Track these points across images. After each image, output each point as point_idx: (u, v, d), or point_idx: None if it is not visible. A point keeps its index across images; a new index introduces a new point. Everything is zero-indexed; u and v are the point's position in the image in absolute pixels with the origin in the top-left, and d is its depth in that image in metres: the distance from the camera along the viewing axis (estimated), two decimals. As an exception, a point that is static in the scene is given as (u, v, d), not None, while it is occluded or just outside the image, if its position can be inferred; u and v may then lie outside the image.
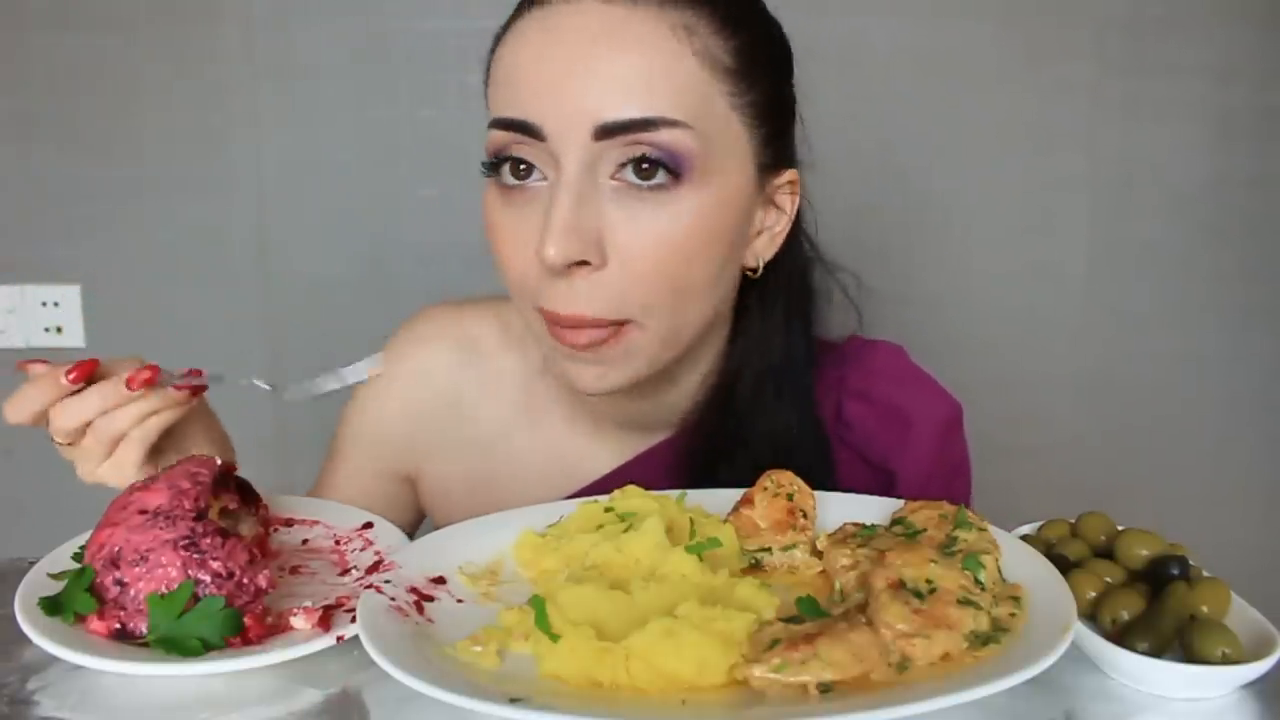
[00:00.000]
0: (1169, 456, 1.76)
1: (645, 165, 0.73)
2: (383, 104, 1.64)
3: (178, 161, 1.66)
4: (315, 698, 0.57)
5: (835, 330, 0.95)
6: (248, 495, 0.70)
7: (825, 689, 0.51)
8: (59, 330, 1.71)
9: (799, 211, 0.86)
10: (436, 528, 1.00)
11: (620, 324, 0.76)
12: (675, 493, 0.71)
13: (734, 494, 0.72)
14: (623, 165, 0.73)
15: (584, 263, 0.73)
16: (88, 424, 0.73)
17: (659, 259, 0.74)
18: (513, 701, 0.49)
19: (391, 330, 0.99)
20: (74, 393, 0.73)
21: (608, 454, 0.92)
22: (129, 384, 0.72)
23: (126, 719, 0.56)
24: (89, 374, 0.73)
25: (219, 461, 0.68)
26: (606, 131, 0.72)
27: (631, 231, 0.74)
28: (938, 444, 0.92)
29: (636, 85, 0.72)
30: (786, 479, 0.71)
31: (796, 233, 0.87)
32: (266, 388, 0.78)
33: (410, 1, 1.61)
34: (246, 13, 1.62)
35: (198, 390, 0.76)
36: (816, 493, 0.71)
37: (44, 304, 1.70)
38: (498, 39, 0.80)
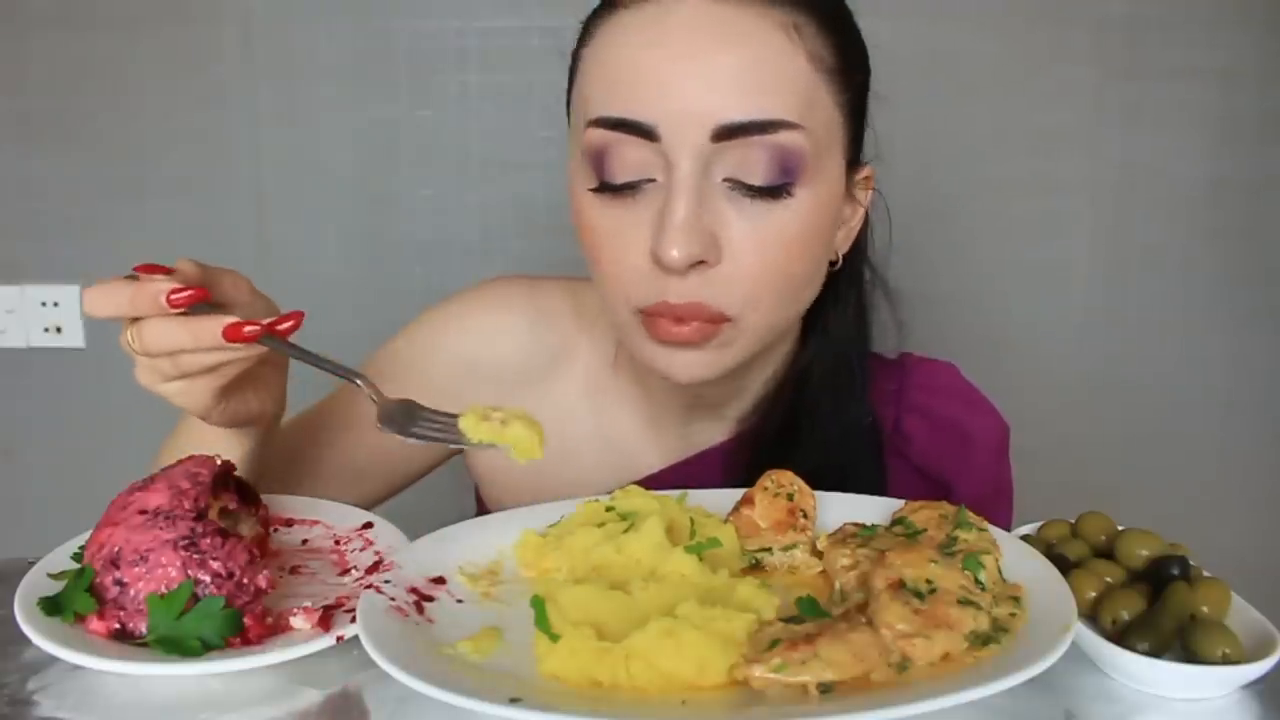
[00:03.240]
0: (1170, 457, 1.77)
1: (760, 167, 0.73)
2: (382, 104, 1.65)
3: (178, 161, 1.66)
4: (315, 698, 0.57)
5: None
6: (247, 495, 0.70)
7: (825, 689, 0.51)
8: (59, 330, 1.71)
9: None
10: (484, 502, 1.00)
11: (722, 320, 0.76)
12: (676, 493, 0.72)
13: (734, 494, 0.72)
14: (737, 167, 0.73)
15: (701, 262, 0.74)
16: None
17: (771, 257, 0.75)
18: (513, 701, 0.49)
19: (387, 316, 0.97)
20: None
21: (668, 448, 0.93)
22: (227, 335, 0.65)
23: (126, 719, 0.56)
24: (191, 304, 0.65)
25: (219, 461, 0.68)
26: (724, 134, 0.72)
27: (745, 230, 0.74)
28: (994, 464, 0.93)
29: (753, 86, 0.72)
30: (787, 479, 0.71)
31: (866, 226, 0.88)
32: (373, 398, 0.70)
33: (410, 1, 1.61)
34: (246, 13, 1.62)
35: (291, 329, 0.68)
36: (816, 493, 0.71)
37: (44, 304, 1.70)
38: (588, 30, 0.79)
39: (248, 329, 0.65)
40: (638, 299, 0.77)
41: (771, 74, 0.73)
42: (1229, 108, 1.66)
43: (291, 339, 0.68)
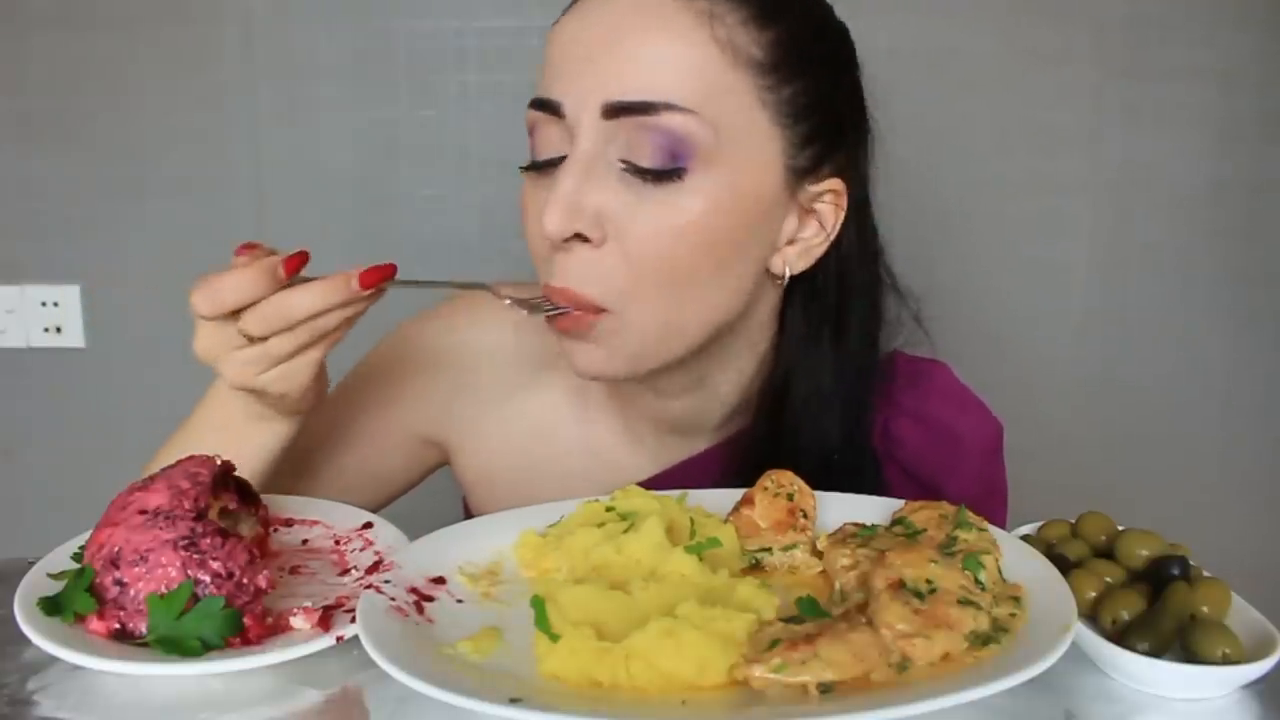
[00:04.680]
0: (1169, 457, 1.77)
1: (648, 149, 0.73)
2: (383, 104, 1.65)
3: (178, 161, 1.66)
4: (315, 698, 0.57)
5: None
6: (247, 495, 0.70)
7: (825, 689, 0.51)
8: (59, 330, 1.71)
9: (872, 229, 0.85)
10: (471, 511, 1.00)
11: (598, 311, 0.76)
12: (676, 493, 0.71)
13: (734, 494, 0.72)
14: (628, 148, 0.73)
15: (583, 239, 0.74)
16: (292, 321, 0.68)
17: (657, 245, 0.74)
18: (513, 701, 0.49)
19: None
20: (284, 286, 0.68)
21: (651, 459, 0.92)
22: (363, 281, 0.68)
23: (126, 719, 0.56)
24: (299, 268, 0.68)
25: (219, 461, 0.68)
26: (612, 111, 0.73)
27: (632, 213, 0.74)
28: (985, 465, 0.93)
29: (646, 68, 0.73)
30: (787, 479, 0.71)
31: (842, 248, 0.83)
32: (505, 301, 0.77)
33: (410, 1, 1.61)
34: (246, 13, 1.62)
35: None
36: (817, 493, 0.71)
37: (44, 304, 1.70)
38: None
39: (379, 273, 0.68)
40: (542, 279, 0.79)
41: (670, 58, 0.73)
42: (1229, 108, 1.65)
43: None
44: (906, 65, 1.59)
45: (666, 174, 0.73)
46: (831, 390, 0.86)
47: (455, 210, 1.67)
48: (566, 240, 0.74)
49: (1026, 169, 1.67)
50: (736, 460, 0.88)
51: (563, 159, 0.75)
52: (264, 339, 0.69)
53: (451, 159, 1.66)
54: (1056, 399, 1.73)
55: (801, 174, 0.79)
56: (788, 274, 0.82)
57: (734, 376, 0.88)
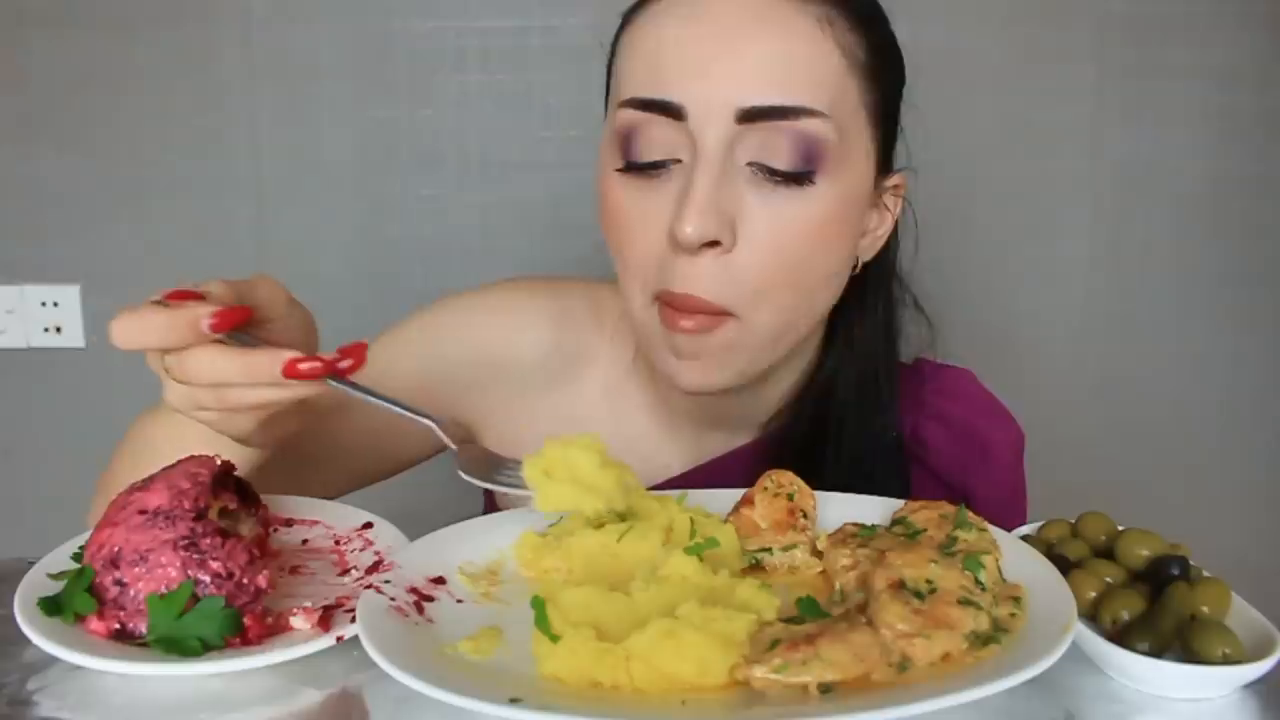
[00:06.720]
0: (1169, 456, 1.77)
1: (783, 152, 0.73)
2: (382, 104, 1.65)
3: (178, 161, 1.66)
4: (315, 698, 0.57)
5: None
6: (247, 495, 0.70)
7: (826, 689, 0.51)
8: (59, 330, 1.71)
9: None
10: (493, 493, 0.99)
11: (724, 315, 0.75)
12: (676, 493, 0.71)
13: (734, 494, 0.72)
14: (760, 151, 0.73)
15: (715, 243, 0.74)
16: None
17: (788, 246, 0.75)
18: (513, 701, 0.49)
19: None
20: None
21: (686, 453, 0.92)
22: (287, 373, 0.59)
23: (126, 719, 0.56)
24: (234, 326, 0.60)
25: (219, 461, 0.68)
26: (748, 115, 0.72)
27: (765, 217, 0.74)
28: (1011, 470, 0.93)
29: (780, 72, 0.73)
30: (787, 479, 0.71)
31: (895, 237, 0.88)
32: (451, 446, 0.67)
33: (410, 2, 1.61)
34: (246, 13, 1.62)
35: (354, 367, 0.61)
36: (816, 493, 0.71)
37: (44, 304, 1.70)
38: (627, 19, 0.80)
39: (306, 366, 0.59)
40: (653, 282, 0.77)
41: (800, 62, 0.73)
42: (1229, 107, 1.66)
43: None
44: (906, 65, 1.59)
45: (797, 176, 0.74)
46: (879, 376, 0.88)
47: (455, 210, 1.67)
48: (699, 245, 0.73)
49: (1026, 169, 1.67)
50: (774, 458, 0.88)
51: (676, 162, 0.75)
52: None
53: (451, 159, 1.66)
54: (1056, 399, 1.73)
55: (880, 171, 0.82)
56: (860, 264, 0.84)
57: (789, 375, 0.88)
